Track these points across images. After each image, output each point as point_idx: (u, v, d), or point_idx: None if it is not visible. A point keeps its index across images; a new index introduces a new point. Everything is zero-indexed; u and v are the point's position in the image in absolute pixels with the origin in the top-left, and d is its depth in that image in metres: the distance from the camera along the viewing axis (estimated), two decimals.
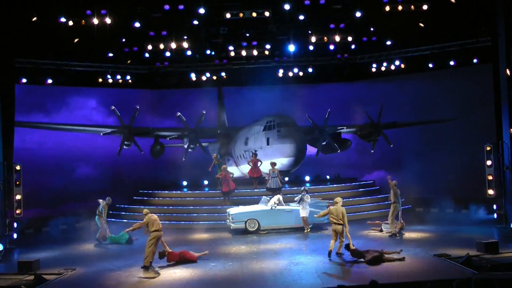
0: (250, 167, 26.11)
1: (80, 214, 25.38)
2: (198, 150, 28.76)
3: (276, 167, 24.14)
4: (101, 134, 27.48)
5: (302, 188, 21.50)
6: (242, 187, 26.53)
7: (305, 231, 20.82)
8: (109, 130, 27.52)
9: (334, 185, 27.64)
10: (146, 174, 31.56)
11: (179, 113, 27.38)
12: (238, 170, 29.82)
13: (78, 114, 30.61)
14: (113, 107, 26.40)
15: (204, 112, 27.43)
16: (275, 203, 21.26)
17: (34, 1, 22.59)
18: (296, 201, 21.00)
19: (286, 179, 27.45)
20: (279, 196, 21.67)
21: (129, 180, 30.26)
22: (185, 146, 28.37)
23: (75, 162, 29.98)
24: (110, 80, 31.09)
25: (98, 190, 28.29)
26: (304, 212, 20.71)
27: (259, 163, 25.53)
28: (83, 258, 17.60)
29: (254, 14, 24.22)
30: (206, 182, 30.23)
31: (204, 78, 32.43)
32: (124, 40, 27.75)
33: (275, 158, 25.03)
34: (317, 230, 21.14)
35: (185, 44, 27.10)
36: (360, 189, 27.32)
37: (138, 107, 26.50)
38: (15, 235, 20.32)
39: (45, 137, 29.03)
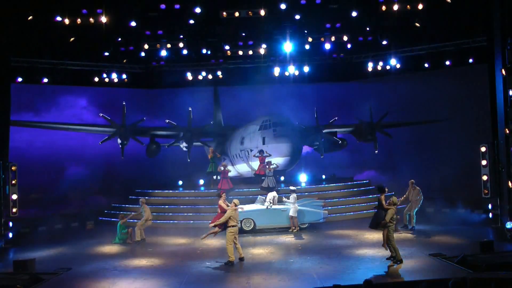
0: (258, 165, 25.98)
1: (75, 214, 25.31)
2: (194, 149, 28.76)
3: (272, 166, 24.15)
4: (100, 115, 27.20)
5: (290, 188, 21.71)
6: (238, 186, 26.52)
7: (291, 229, 20.93)
8: (107, 129, 27.45)
9: (330, 185, 27.65)
10: (139, 173, 31.42)
11: (190, 108, 27.61)
12: (234, 169, 29.81)
13: (68, 113, 30.47)
14: (124, 103, 26.55)
15: (212, 122, 27.70)
16: (270, 202, 21.31)
17: (30, 0, 22.52)
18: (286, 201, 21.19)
19: (282, 178, 27.46)
20: (274, 193, 21.73)
21: (122, 179, 30.14)
22: (180, 145, 28.40)
23: (66, 161, 29.80)
24: (106, 79, 31.00)
25: (91, 190, 28.30)
26: (293, 211, 20.86)
27: (266, 160, 25.28)
28: (78, 258, 17.52)
29: (250, 14, 24.18)
30: (201, 181, 30.21)
31: (200, 77, 32.36)
32: (120, 39, 27.66)
33: (271, 157, 25.02)
34: (313, 230, 21.18)
35: (181, 44, 27.10)
36: (355, 189, 27.34)
37: (144, 118, 26.84)
38: (10, 235, 20.24)
39: (35, 136, 28.89)
